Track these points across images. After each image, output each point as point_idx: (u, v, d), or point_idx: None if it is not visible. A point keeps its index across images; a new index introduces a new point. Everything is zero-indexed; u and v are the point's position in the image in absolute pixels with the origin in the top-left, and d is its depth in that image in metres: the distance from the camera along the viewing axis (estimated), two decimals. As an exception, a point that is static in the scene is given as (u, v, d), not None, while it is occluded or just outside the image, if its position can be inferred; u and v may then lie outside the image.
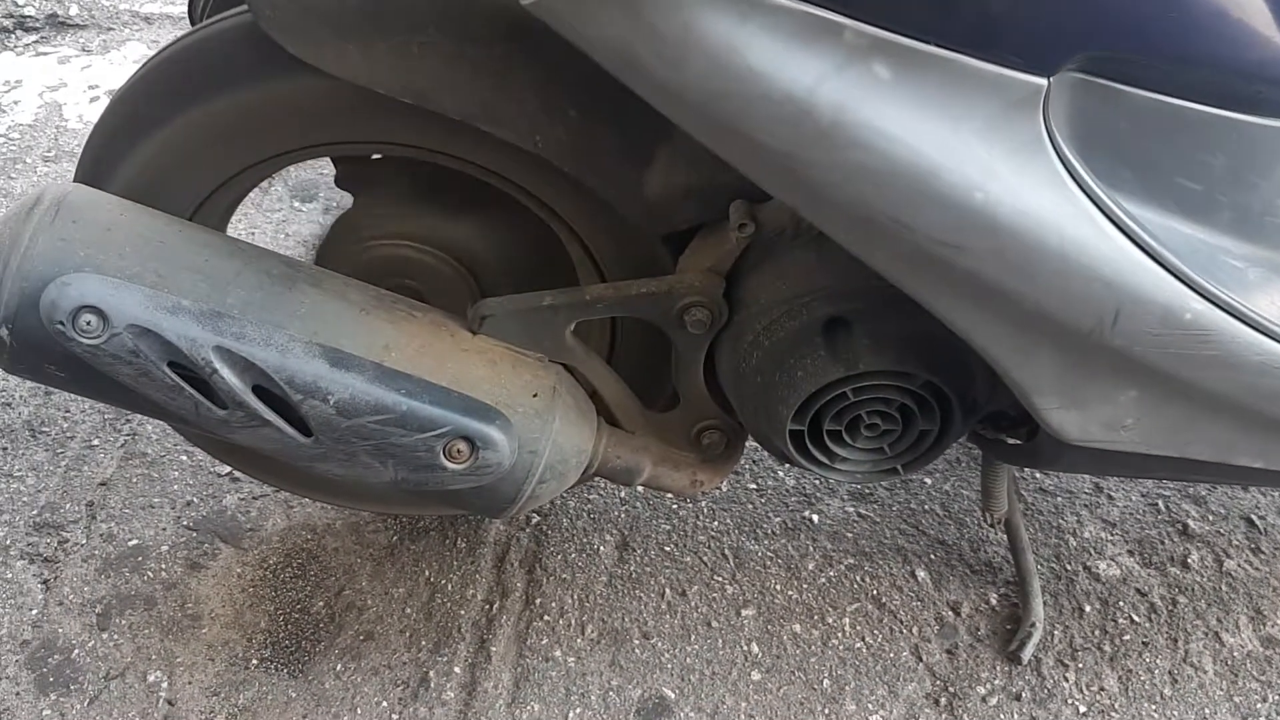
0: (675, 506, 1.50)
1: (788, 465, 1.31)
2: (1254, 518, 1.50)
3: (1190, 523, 1.49)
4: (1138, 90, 0.84)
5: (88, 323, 0.92)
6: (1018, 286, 0.86)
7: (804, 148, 0.80)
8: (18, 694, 1.29)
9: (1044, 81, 0.79)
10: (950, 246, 0.84)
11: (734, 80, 0.77)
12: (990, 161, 0.80)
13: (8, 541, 1.43)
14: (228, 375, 0.95)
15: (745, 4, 0.75)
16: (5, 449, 1.55)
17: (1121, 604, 1.40)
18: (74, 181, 1.08)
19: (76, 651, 1.33)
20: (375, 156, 1.18)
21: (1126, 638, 1.37)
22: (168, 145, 1.06)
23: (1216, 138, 0.88)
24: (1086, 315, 0.87)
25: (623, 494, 1.51)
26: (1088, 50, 0.80)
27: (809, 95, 0.78)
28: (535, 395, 1.06)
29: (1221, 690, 1.32)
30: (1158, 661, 1.34)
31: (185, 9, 1.35)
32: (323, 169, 2.02)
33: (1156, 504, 1.51)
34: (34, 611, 1.37)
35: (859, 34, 0.76)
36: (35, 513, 1.47)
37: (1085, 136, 0.84)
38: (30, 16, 2.50)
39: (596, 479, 1.24)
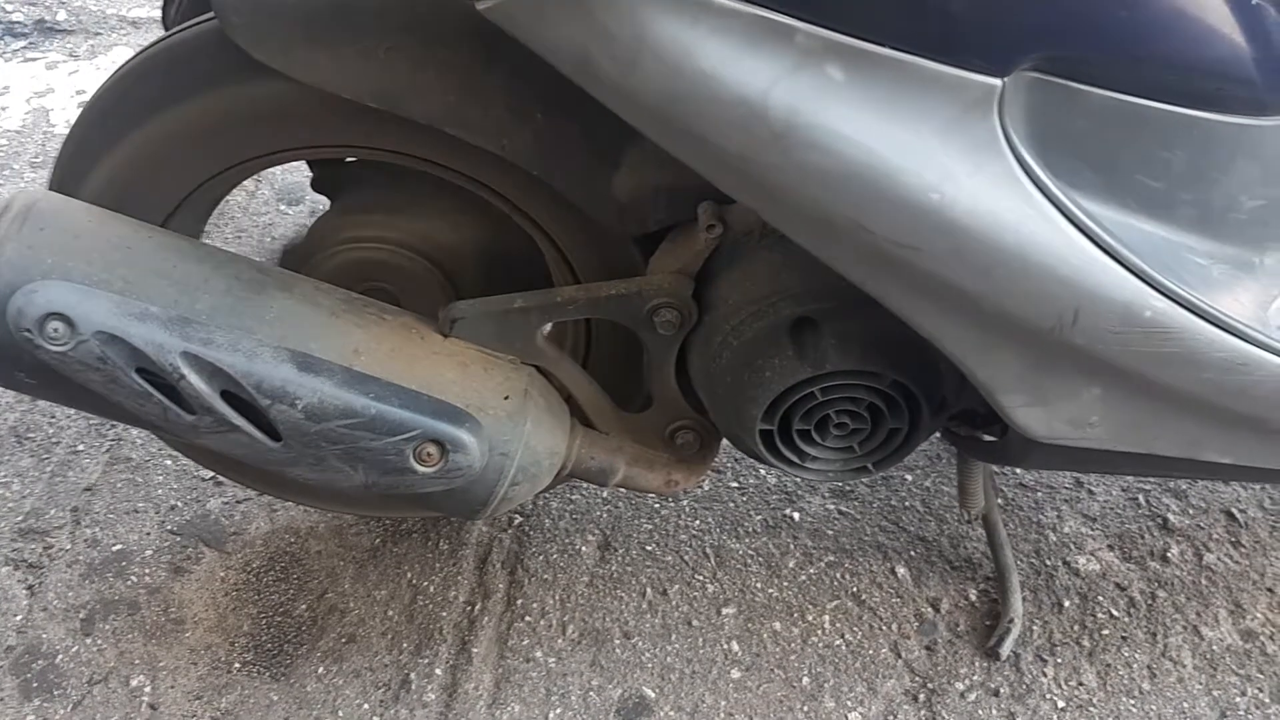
0: (657, 506, 1.51)
1: (765, 464, 1.32)
2: (1234, 511, 1.50)
3: (1170, 517, 1.50)
4: (1095, 89, 0.84)
5: (55, 330, 0.92)
6: (976, 286, 0.86)
7: (759, 150, 0.80)
8: (2, 700, 1.29)
9: (998, 82, 0.79)
10: (908, 248, 0.84)
11: (687, 83, 0.78)
12: (946, 162, 0.81)
13: (-8, 547, 1.44)
14: (195, 381, 0.95)
15: (696, 7, 0.76)
16: (-10, 455, 1.56)
17: (1101, 599, 1.40)
18: (49, 188, 1.09)
19: (60, 657, 1.34)
20: (350, 160, 1.18)
21: (1105, 632, 1.37)
22: (139, 152, 1.07)
23: (1177, 135, 0.88)
24: (1046, 314, 0.87)
25: (604, 494, 1.52)
26: (1042, 50, 0.80)
27: (762, 98, 0.78)
28: (507, 397, 1.06)
29: (1200, 684, 1.32)
30: (1136, 656, 1.35)
31: (169, 15, 1.37)
32: (309, 173, 2.02)
33: (1137, 498, 1.52)
34: (18, 617, 1.37)
35: (811, 36, 0.76)
36: (20, 519, 1.48)
37: (1042, 136, 0.84)
38: (18, 23, 2.51)
39: (578, 480, 1.24)
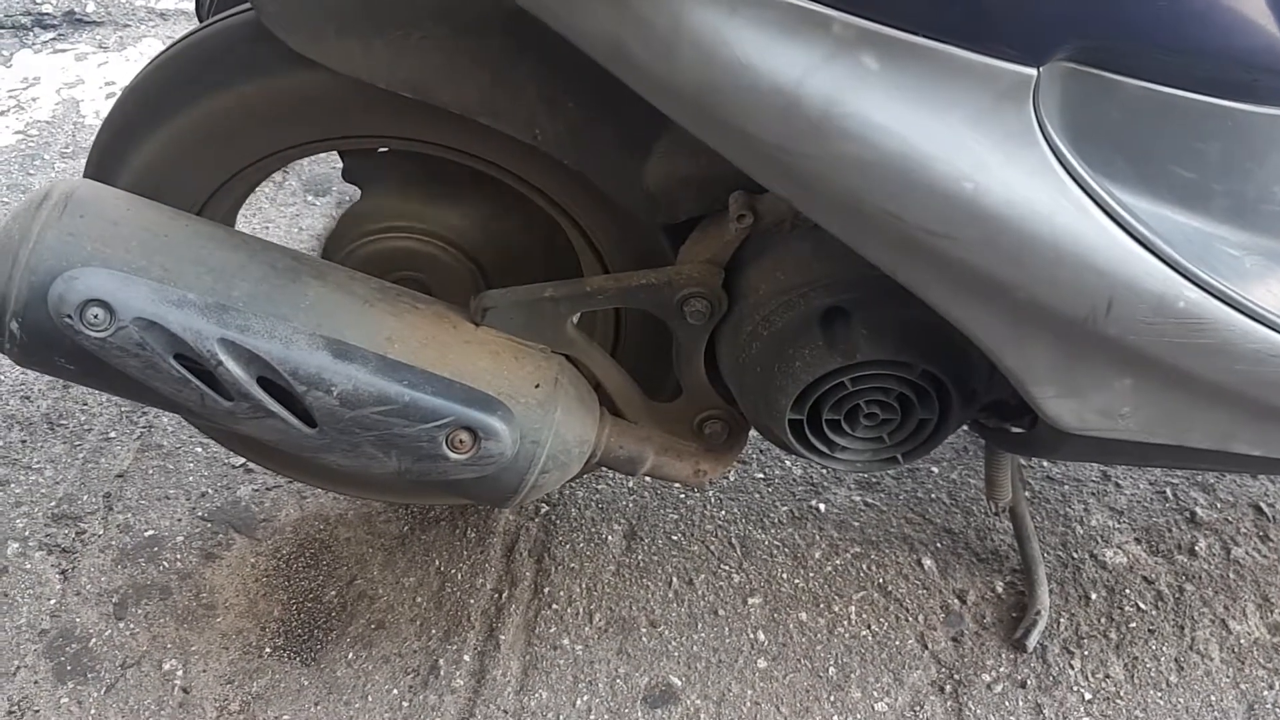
0: (683, 496, 1.51)
1: (793, 455, 1.32)
2: (1263, 505, 1.49)
3: (1198, 510, 1.49)
4: (1130, 79, 0.84)
5: (95, 316, 0.93)
6: (1009, 276, 0.86)
7: (793, 140, 0.81)
8: (36, 682, 1.31)
9: (1033, 72, 0.79)
10: (941, 236, 0.84)
11: (723, 73, 0.78)
12: (980, 151, 0.81)
13: (27, 533, 1.46)
14: (233, 367, 0.96)
15: (733, -4, 0.76)
16: (24, 441, 1.57)
17: (1128, 591, 1.40)
18: (84, 176, 1.10)
19: (94, 640, 1.35)
20: (381, 150, 1.19)
21: (1133, 625, 1.37)
22: (174, 141, 1.08)
23: (1211, 126, 0.88)
24: (1079, 304, 0.87)
25: (630, 484, 1.53)
26: (1078, 40, 0.80)
27: (797, 87, 0.78)
28: (537, 386, 1.07)
29: (1228, 677, 1.32)
30: (1164, 649, 1.35)
31: (197, 5, 1.39)
32: (336, 163, 2.03)
33: (1164, 492, 1.51)
34: (52, 601, 1.39)
35: (847, 26, 0.77)
36: (53, 504, 1.50)
37: (1077, 126, 0.84)
38: (48, 14, 2.53)
39: (604, 469, 1.25)
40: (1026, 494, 1.50)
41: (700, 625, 1.38)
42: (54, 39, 2.47)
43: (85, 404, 1.62)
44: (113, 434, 1.59)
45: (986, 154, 0.81)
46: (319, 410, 0.99)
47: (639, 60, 0.80)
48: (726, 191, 1.04)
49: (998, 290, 0.88)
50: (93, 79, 2.34)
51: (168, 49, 1.10)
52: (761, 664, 1.34)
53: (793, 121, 0.80)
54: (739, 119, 0.81)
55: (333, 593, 1.41)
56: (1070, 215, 0.84)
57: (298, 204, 2.00)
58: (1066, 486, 1.52)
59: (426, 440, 1.02)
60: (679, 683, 1.32)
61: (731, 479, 1.53)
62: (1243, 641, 1.35)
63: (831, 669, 1.33)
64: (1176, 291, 0.87)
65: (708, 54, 0.78)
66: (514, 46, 0.99)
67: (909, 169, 0.81)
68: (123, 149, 1.10)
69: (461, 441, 1.02)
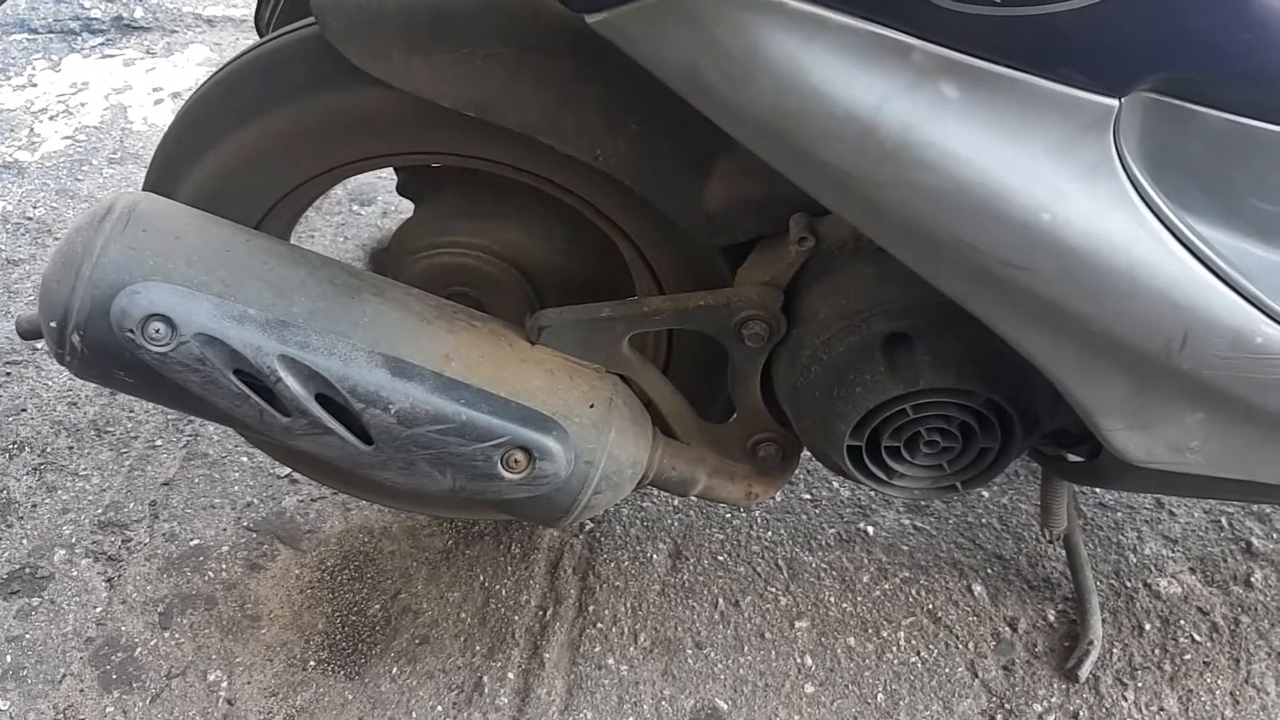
0: (729, 516, 1.50)
1: (848, 480, 1.31)
2: (1321, 537, 1.47)
3: (1254, 541, 1.47)
4: (1212, 111, 0.83)
5: (156, 330, 0.93)
6: (1085, 308, 0.85)
7: (868, 167, 0.79)
8: (82, 691, 1.31)
9: (1115, 103, 0.78)
10: (1017, 268, 0.83)
11: (799, 99, 0.77)
12: (1059, 182, 0.79)
13: (73, 539, 1.46)
14: (292, 384, 0.96)
15: (812, 23, 0.75)
16: (71, 448, 1.58)
17: (1182, 623, 1.38)
18: (144, 189, 1.10)
19: (139, 650, 1.36)
20: (435, 165, 1.18)
21: (1187, 657, 1.35)
22: (235, 155, 1.08)
23: (1292, 158, 0.87)
24: (1154, 338, 0.86)
25: (676, 502, 1.51)
26: (1161, 71, 0.79)
27: (874, 114, 0.77)
28: (592, 406, 1.06)
29: (1285, 714, 1.29)
30: (1219, 682, 1.32)
31: (247, 11, 1.37)
32: (381, 173, 2.03)
33: (1219, 521, 1.49)
34: (98, 609, 1.39)
35: (927, 54, 0.75)
36: (100, 511, 1.50)
37: (1157, 157, 0.83)
38: (96, 20, 2.55)
39: (650, 487, 1.24)
40: (1079, 521, 1.48)
41: (746, 648, 1.36)
42: (102, 44, 2.49)
43: (132, 411, 1.63)
44: (159, 442, 1.59)
45: (1066, 185, 0.79)
46: (376, 428, 0.99)
47: (714, 85, 0.79)
48: (787, 213, 1.03)
49: (1072, 322, 0.86)
50: (140, 85, 2.35)
51: (229, 63, 1.10)
52: (809, 689, 1.32)
53: (868, 149, 0.79)
54: (814, 145, 0.80)
55: (377, 606, 1.40)
56: (1148, 248, 0.82)
57: (343, 213, 2.00)
58: (1120, 514, 1.50)
59: (482, 459, 1.01)
60: (725, 706, 1.31)
61: (778, 500, 1.52)
62: (1300, 677, 1.33)
63: (880, 695, 1.32)
64: (1254, 326, 0.86)
65: (784, 80, 0.77)
66: (578, 67, 0.98)
67: (987, 199, 0.79)
68: (184, 162, 1.10)
69: (516, 461, 1.02)
